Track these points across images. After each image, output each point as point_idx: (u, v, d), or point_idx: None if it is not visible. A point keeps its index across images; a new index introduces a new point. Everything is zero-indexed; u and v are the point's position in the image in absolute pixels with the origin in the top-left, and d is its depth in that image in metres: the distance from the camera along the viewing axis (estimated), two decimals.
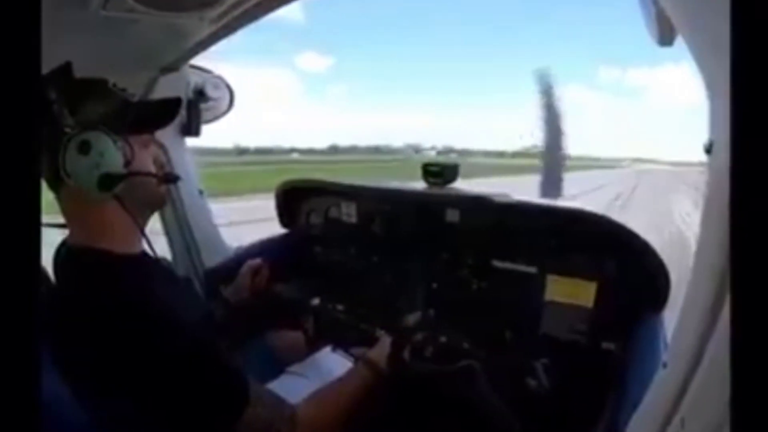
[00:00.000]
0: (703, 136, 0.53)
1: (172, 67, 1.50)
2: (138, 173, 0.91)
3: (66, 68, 0.87)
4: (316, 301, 1.70)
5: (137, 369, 0.80)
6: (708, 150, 0.53)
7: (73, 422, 0.88)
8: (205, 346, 0.88)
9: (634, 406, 0.79)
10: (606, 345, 1.35)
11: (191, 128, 1.74)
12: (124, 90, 0.95)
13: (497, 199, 1.54)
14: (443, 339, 1.62)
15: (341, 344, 1.66)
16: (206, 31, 1.23)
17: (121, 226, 0.92)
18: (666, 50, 0.61)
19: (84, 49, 0.87)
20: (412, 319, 1.30)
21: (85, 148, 0.83)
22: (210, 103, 1.79)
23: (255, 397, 0.87)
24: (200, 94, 1.73)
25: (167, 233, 1.88)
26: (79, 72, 0.88)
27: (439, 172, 1.71)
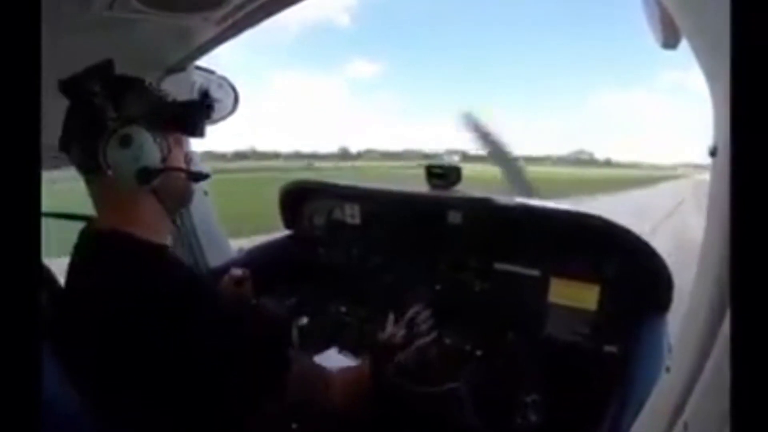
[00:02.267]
0: None
1: (178, 68, 1.50)
2: (173, 169, 0.96)
3: (108, 64, 0.89)
4: (303, 321, 1.70)
5: (179, 342, 0.81)
6: (713, 153, 0.53)
7: (81, 421, 0.87)
8: (243, 317, 0.97)
9: (637, 410, 0.79)
10: (608, 348, 1.35)
11: (197, 129, 1.74)
12: (160, 90, 0.99)
13: (499, 201, 1.54)
14: (447, 341, 1.63)
15: (344, 345, 1.66)
16: (211, 32, 1.24)
17: (153, 218, 0.96)
18: None
19: (89, 49, 0.87)
20: (398, 334, 1.28)
21: (126, 141, 0.87)
22: (214, 104, 1.79)
23: (293, 358, 0.94)
24: (205, 95, 1.73)
25: (172, 233, 1.88)
26: None
27: (443, 174, 1.71)
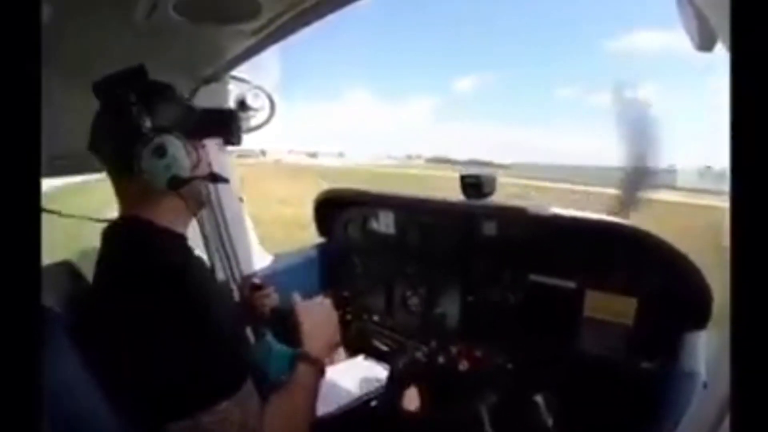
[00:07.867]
0: None
1: (213, 78, 1.54)
2: (201, 178, 1.01)
3: (141, 69, 0.93)
4: None
5: (173, 322, 0.81)
6: None
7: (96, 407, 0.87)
8: (222, 324, 0.89)
9: (673, 427, 0.77)
10: (645, 364, 1.30)
11: (233, 137, 1.77)
12: (188, 98, 1.05)
13: (535, 211, 1.50)
14: (478, 354, 1.60)
15: (374, 353, 1.65)
16: (246, 43, 1.27)
17: (175, 214, 1.01)
18: None
19: (126, 58, 0.90)
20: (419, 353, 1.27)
21: (160, 151, 0.91)
22: (250, 113, 1.82)
23: (246, 390, 0.85)
24: (241, 104, 1.77)
25: (206, 238, 1.93)
26: None
27: (477, 184, 1.67)
